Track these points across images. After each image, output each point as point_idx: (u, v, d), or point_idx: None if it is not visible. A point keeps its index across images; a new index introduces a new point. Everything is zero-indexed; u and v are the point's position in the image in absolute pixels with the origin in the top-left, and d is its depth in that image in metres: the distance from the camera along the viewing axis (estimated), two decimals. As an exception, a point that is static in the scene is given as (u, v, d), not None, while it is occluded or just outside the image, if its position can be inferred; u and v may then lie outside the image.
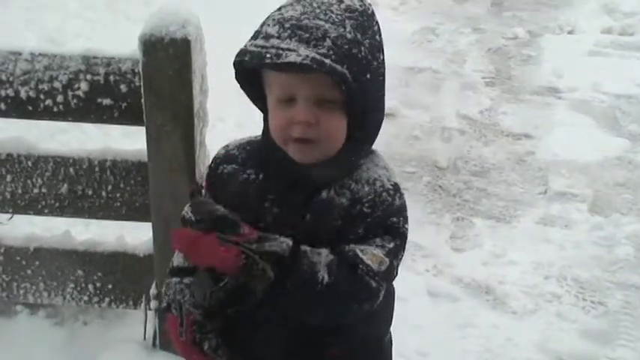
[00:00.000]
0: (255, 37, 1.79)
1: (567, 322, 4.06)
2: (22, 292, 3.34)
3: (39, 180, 3.11)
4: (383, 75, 1.87)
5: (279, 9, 1.82)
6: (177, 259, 2.08)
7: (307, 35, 1.72)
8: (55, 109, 2.94)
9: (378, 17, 1.91)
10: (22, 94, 2.92)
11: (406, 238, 1.93)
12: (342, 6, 1.80)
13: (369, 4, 1.88)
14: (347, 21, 1.77)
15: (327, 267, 1.80)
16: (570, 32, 8.44)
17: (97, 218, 3.24)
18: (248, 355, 2.02)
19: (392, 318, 2.12)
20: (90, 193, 3.11)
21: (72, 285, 3.30)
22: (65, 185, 3.11)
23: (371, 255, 1.84)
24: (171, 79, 2.77)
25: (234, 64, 1.83)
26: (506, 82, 7.19)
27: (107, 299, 3.33)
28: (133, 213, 3.14)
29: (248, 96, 1.96)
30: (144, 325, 3.29)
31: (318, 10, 1.77)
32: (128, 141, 4.15)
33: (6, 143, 3.13)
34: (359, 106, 1.80)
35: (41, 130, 4.25)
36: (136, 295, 3.30)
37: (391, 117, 6.22)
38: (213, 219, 1.80)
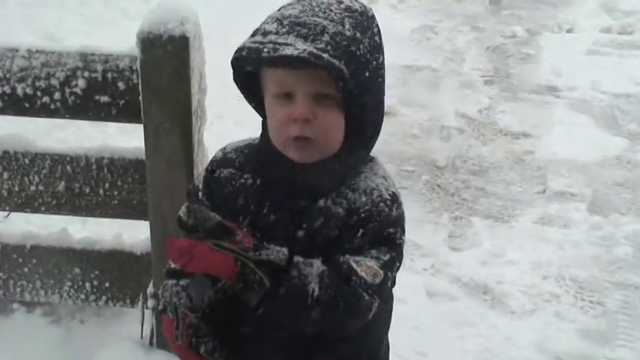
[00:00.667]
0: (253, 34, 1.79)
1: (566, 322, 4.05)
2: (18, 290, 3.33)
3: (36, 177, 3.09)
4: (382, 76, 1.86)
5: (279, 8, 1.82)
6: None
7: (305, 31, 1.72)
8: (53, 107, 2.93)
9: (377, 15, 1.90)
10: (19, 91, 2.91)
11: (402, 249, 1.91)
12: (342, 6, 1.80)
13: (370, 8, 1.88)
14: (346, 19, 1.77)
15: (318, 279, 1.77)
16: (569, 31, 8.42)
17: (94, 216, 3.22)
18: (244, 359, 2.01)
19: (389, 325, 2.10)
20: (87, 190, 3.10)
21: (69, 283, 3.29)
22: (62, 183, 3.09)
23: (365, 267, 1.81)
24: (170, 77, 2.76)
25: (231, 61, 1.82)
26: (504, 80, 7.17)
27: (104, 297, 3.31)
28: (131, 211, 3.13)
29: (246, 99, 1.95)
30: (141, 324, 3.28)
31: (317, 9, 1.77)
32: (126, 138, 4.14)
33: (3, 140, 3.11)
34: (357, 104, 1.78)
35: (38, 127, 4.24)
36: (134, 293, 3.29)
37: (390, 115, 6.20)
38: (209, 226, 1.77)
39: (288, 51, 1.68)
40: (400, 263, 1.92)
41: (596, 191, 5.32)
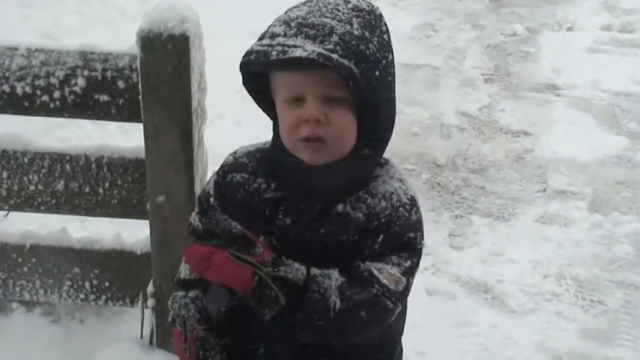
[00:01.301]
0: (261, 37, 1.77)
1: (566, 321, 4.04)
2: (18, 289, 3.32)
3: (35, 177, 3.08)
4: (392, 75, 1.85)
5: (286, 11, 1.80)
6: (184, 271, 2.07)
7: (314, 32, 1.71)
8: (52, 105, 2.92)
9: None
10: (19, 90, 2.90)
11: (421, 254, 1.89)
12: (349, 5, 1.78)
13: (377, 7, 1.86)
14: (354, 19, 1.75)
15: (338, 291, 1.76)
16: (569, 29, 8.42)
17: (93, 215, 3.21)
18: None
19: (404, 328, 2.09)
20: (87, 190, 3.09)
21: (68, 282, 3.28)
22: (61, 182, 3.08)
23: (387, 274, 1.80)
24: (170, 76, 2.75)
25: (240, 66, 1.80)
26: (505, 78, 7.17)
27: (104, 297, 3.30)
28: (130, 210, 3.12)
29: (257, 103, 1.93)
30: (141, 324, 3.27)
31: (324, 9, 1.76)
32: (125, 137, 4.13)
33: (2, 139, 3.10)
34: (368, 104, 1.77)
35: (37, 126, 4.22)
36: (133, 293, 3.28)
37: (392, 114, 6.20)
38: (229, 236, 1.75)
39: (297, 53, 1.66)
40: (418, 268, 1.91)
41: (596, 190, 5.31)
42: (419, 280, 4.15)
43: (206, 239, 1.82)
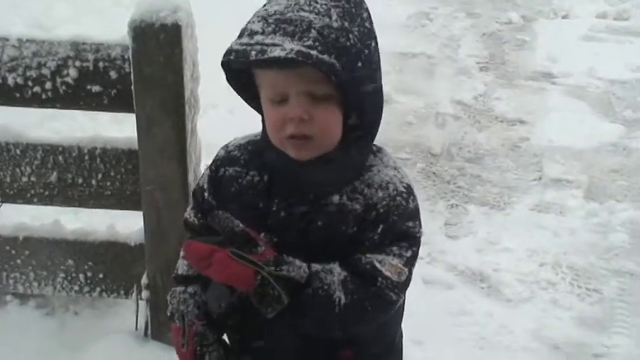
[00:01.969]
0: (240, 35, 1.73)
1: (562, 309, 4.04)
2: (11, 282, 3.31)
3: (28, 168, 3.07)
4: (377, 63, 1.80)
5: (264, 5, 1.76)
6: (182, 267, 2.06)
7: (292, 28, 1.66)
8: (44, 96, 2.91)
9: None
10: (10, 81, 2.89)
11: (420, 242, 1.88)
12: None
13: None
14: (333, 10, 1.70)
15: (342, 286, 1.74)
16: (565, 17, 8.40)
17: (87, 207, 3.20)
18: None
19: (403, 313, 2.07)
20: (80, 181, 3.08)
21: (62, 275, 3.27)
22: (54, 173, 3.07)
23: (389, 266, 1.78)
24: (162, 66, 2.74)
25: (222, 64, 1.77)
26: (500, 67, 7.16)
27: (98, 289, 3.30)
28: (124, 202, 3.11)
29: (243, 98, 1.90)
30: (135, 315, 3.26)
31: (302, 2, 1.71)
32: (118, 127, 4.12)
33: (-6, 131, 3.09)
34: (353, 96, 1.73)
35: (29, 117, 4.20)
36: (127, 284, 3.27)
37: (385, 103, 6.16)
38: (231, 234, 1.72)
39: (276, 53, 1.63)
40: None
41: (592, 178, 5.31)
42: (415, 270, 4.16)
43: (202, 235, 1.80)
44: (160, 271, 3.08)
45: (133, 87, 2.80)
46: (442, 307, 4.00)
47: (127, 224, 3.35)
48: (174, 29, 2.69)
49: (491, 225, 4.75)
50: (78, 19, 5.97)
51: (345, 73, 1.67)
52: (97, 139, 3.08)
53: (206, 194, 2.00)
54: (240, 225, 1.73)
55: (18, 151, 3.05)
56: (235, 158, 1.96)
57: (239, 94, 1.89)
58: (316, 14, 1.68)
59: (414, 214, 1.86)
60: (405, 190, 1.85)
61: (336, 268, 1.77)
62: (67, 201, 3.14)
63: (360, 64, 1.72)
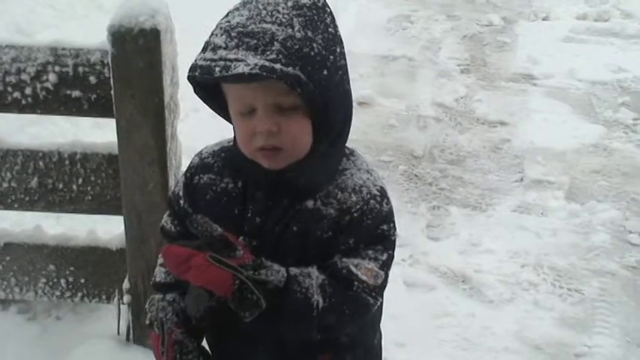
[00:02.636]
0: (204, 49, 1.72)
1: (544, 310, 4.06)
2: (-7, 287, 3.30)
3: (8, 174, 3.06)
4: (343, 67, 1.80)
5: (227, 15, 1.75)
6: (160, 274, 2.06)
7: (255, 42, 1.65)
8: (24, 102, 2.90)
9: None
10: (-11, 87, 2.88)
11: (395, 245, 1.88)
12: (289, 3, 1.72)
13: None
14: (295, 19, 1.69)
15: (320, 290, 1.75)
16: (545, 19, 8.46)
17: (67, 212, 3.19)
18: None
19: (382, 314, 2.09)
20: (60, 186, 3.07)
21: (44, 280, 3.26)
22: (35, 179, 3.06)
23: (365, 270, 1.79)
24: (141, 71, 2.73)
25: (188, 79, 1.77)
26: (481, 69, 7.19)
27: (80, 294, 3.29)
28: (105, 206, 3.10)
29: (212, 108, 1.89)
30: (117, 320, 3.26)
31: (264, 12, 1.70)
32: (99, 132, 4.11)
33: (-26, 137, 3.08)
34: (320, 105, 1.72)
35: (10, 122, 4.19)
36: (109, 289, 3.26)
37: (366, 106, 6.21)
38: (210, 239, 1.72)
39: (240, 69, 1.62)
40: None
41: (573, 179, 5.34)
42: (397, 272, 4.18)
43: (174, 240, 1.80)
44: (142, 276, 3.08)
45: (112, 92, 2.79)
46: (424, 308, 4.00)
47: (108, 229, 3.35)
48: (153, 34, 2.68)
49: (473, 226, 4.77)
50: (60, 25, 5.95)
51: (311, 83, 1.66)
52: (77, 144, 3.07)
53: (181, 202, 2.00)
54: (219, 229, 1.72)
55: (-2, 157, 3.05)
56: (209, 165, 1.96)
57: (208, 105, 1.88)
58: (279, 25, 1.67)
59: (388, 217, 1.86)
60: (378, 194, 1.85)
61: (314, 272, 1.77)
62: (48, 206, 3.13)
63: (325, 72, 1.71)
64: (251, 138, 1.75)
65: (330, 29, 1.76)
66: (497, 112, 6.31)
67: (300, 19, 1.70)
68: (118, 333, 3.28)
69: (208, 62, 1.67)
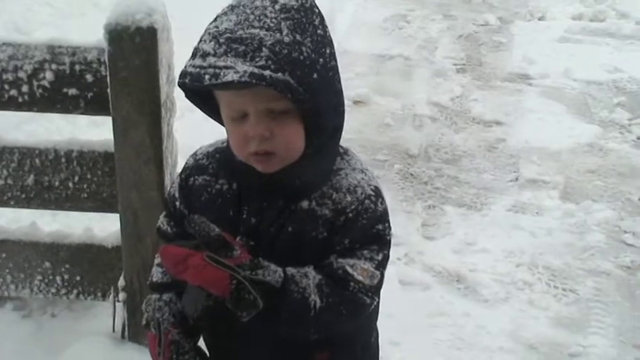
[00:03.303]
0: (193, 55, 1.71)
1: (539, 309, 4.06)
2: (-12, 285, 3.30)
3: (4, 171, 3.07)
4: (334, 68, 1.79)
5: (215, 20, 1.74)
6: (157, 274, 2.06)
7: (243, 48, 1.64)
8: (20, 100, 2.90)
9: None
10: (-14, 85, 2.88)
11: (391, 244, 1.89)
12: (277, 7, 1.70)
13: None
14: (283, 23, 1.68)
15: (317, 289, 1.76)
16: (541, 18, 8.47)
17: (63, 209, 3.20)
18: None
19: (378, 313, 2.09)
20: (56, 184, 3.08)
21: (39, 277, 3.27)
22: (31, 176, 3.07)
23: (361, 270, 1.80)
24: (138, 69, 2.74)
25: (178, 85, 1.76)
26: (477, 68, 7.20)
27: (75, 291, 3.29)
28: (101, 204, 3.11)
29: (204, 112, 1.89)
30: (113, 317, 3.26)
31: (252, 17, 1.68)
32: (96, 130, 4.11)
33: (-30, 134, 3.08)
34: (311, 108, 1.72)
35: (6, 120, 4.19)
36: (105, 286, 3.27)
37: (362, 105, 6.22)
38: (207, 239, 1.72)
39: (229, 77, 1.61)
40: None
41: (568, 179, 5.34)
42: (392, 271, 4.18)
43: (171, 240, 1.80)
44: (137, 273, 3.09)
45: (109, 90, 2.80)
46: (419, 308, 4.01)
47: (103, 226, 3.36)
48: (150, 32, 2.69)
49: (469, 226, 4.77)
50: (57, 23, 5.95)
51: (301, 88, 1.66)
52: (74, 141, 3.08)
53: (177, 203, 2.00)
54: (216, 229, 1.72)
55: (-6, 154, 3.05)
56: (204, 167, 1.96)
57: (201, 110, 1.88)
58: (267, 30, 1.66)
59: (383, 217, 1.86)
60: (373, 194, 1.85)
61: (311, 272, 1.78)
62: (44, 204, 3.14)
63: (315, 75, 1.70)
64: (244, 143, 1.75)
65: (319, 31, 1.75)
66: (492, 112, 6.32)
67: (288, 22, 1.68)
68: (114, 330, 3.29)
69: (198, 69, 1.66)
